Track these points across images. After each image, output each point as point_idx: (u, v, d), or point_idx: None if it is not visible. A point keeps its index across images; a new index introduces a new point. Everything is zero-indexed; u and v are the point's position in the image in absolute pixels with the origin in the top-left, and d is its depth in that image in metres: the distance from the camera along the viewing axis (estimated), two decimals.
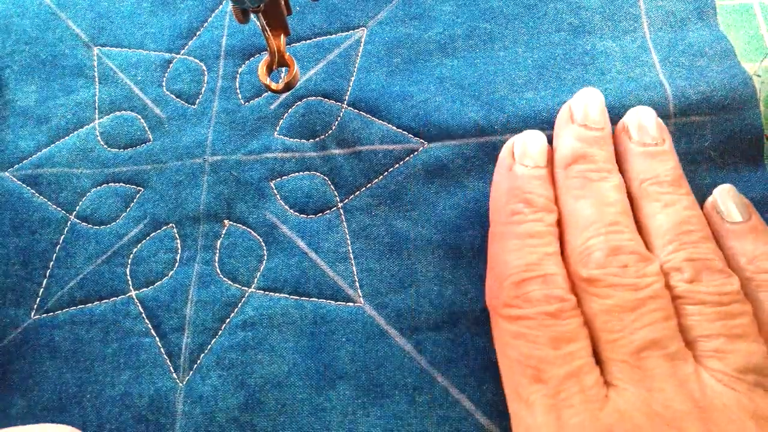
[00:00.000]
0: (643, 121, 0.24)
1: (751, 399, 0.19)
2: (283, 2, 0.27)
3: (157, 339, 0.26)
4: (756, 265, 0.22)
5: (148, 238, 0.29)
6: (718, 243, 0.23)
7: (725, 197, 0.24)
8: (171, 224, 0.29)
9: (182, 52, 0.32)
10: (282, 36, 0.28)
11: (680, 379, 0.19)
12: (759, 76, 0.27)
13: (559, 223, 0.23)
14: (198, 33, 0.33)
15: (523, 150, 0.24)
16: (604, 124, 0.25)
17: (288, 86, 0.27)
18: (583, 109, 0.24)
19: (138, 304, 0.27)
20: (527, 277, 0.21)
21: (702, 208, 0.24)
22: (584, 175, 0.23)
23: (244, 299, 0.27)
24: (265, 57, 0.27)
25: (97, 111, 0.32)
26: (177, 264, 0.28)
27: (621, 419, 0.19)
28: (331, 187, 0.28)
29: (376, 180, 0.28)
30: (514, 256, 0.22)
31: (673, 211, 0.22)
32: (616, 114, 0.26)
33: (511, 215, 0.23)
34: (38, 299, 0.28)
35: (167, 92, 0.32)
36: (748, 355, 0.20)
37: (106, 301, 0.28)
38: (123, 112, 0.32)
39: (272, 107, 0.30)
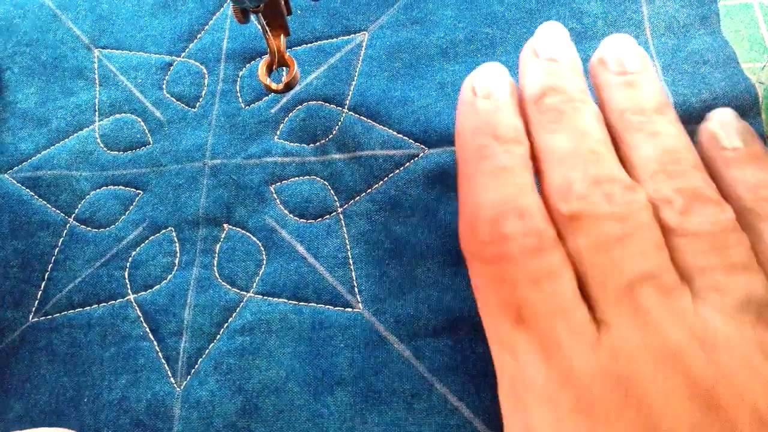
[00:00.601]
0: (621, 50, 0.22)
1: (756, 332, 0.18)
2: (283, 2, 0.27)
3: (155, 343, 0.26)
4: (757, 194, 0.20)
5: (147, 241, 0.28)
6: (715, 173, 0.21)
7: (724, 120, 0.22)
8: (170, 228, 0.29)
9: (183, 54, 0.32)
10: (282, 36, 0.28)
11: (678, 313, 0.18)
12: (762, 83, 0.27)
13: (535, 160, 0.21)
14: (199, 36, 0.33)
15: (484, 84, 0.23)
16: (572, 55, 0.23)
17: (288, 86, 0.27)
18: (548, 43, 0.23)
19: (136, 307, 0.27)
20: (501, 211, 0.20)
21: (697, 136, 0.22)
22: (556, 107, 0.21)
23: (242, 304, 0.27)
24: (265, 57, 0.27)
25: (97, 113, 0.32)
26: (176, 268, 0.28)
27: (614, 357, 0.17)
28: (331, 191, 0.28)
29: (377, 185, 0.28)
30: (486, 194, 0.20)
31: (659, 140, 0.21)
32: None
33: (478, 151, 0.21)
34: (36, 302, 0.28)
35: (167, 95, 0.32)
36: (748, 287, 0.18)
37: (105, 304, 0.27)
38: (123, 114, 0.32)
39: (273, 111, 0.30)
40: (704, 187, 0.20)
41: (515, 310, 0.19)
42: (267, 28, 0.26)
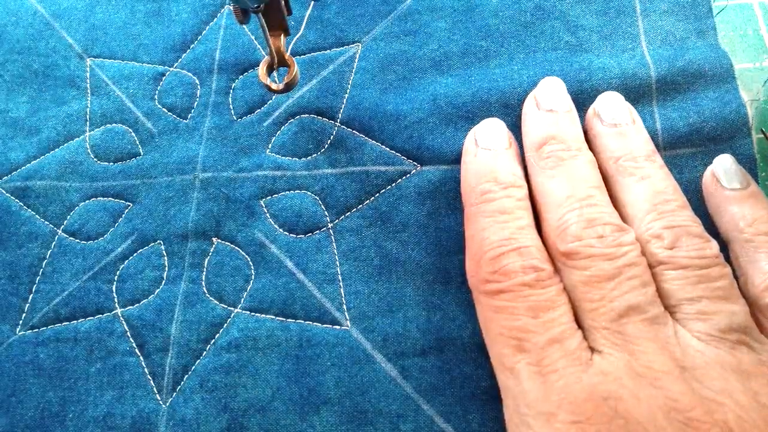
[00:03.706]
0: (612, 105, 0.26)
1: (734, 355, 0.20)
2: (283, 2, 0.27)
3: (142, 359, 0.26)
4: (755, 228, 0.23)
5: (135, 254, 0.28)
6: (717, 208, 0.24)
7: (725, 166, 0.25)
8: (159, 241, 0.28)
9: (175, 65, 0.32)
10: (282, 36, 0.27)
11: (661, 341, 0.20)
12: (756, 99, 0.27)
13: (535, 202, 0.24)
14: (192, 46, 0.32)
15: (485, 136, 0.26)
16: (569, 107, 0.26)
17: (288, 86, 0.27)
18: (548, 96, 0.26)
19: (123, 322, 0.27)
20: (503, 251, 0.22)
21: (702, 178, 0.25)
22: (556, 154, 0.24)
23: (229, 320, 0.26)
24: (266, 57, 0.27)
25: (88, 123, 0.31)
26: (164, 282, 0.27)
27: (605, 380, 0.20)
28: (322, 206, 0.28)
29: (368, 201, 0.27)
30: (488, 233, 0.23)
31: (650, 183, 0.23)
32: None
33: (482, 195, 0.24)
34: (23, 315, 0.28)
35: (159, 106, 0.31)
36: (730, 315, 0.21)
37: (91, 318, 0.27)
38: (114, 124, 0.31)
39: (265, 124, 0.30)
40: (692, 225, 0.22)
41: (516, 338, 0.21)
42: (267, 28, 0.26)
